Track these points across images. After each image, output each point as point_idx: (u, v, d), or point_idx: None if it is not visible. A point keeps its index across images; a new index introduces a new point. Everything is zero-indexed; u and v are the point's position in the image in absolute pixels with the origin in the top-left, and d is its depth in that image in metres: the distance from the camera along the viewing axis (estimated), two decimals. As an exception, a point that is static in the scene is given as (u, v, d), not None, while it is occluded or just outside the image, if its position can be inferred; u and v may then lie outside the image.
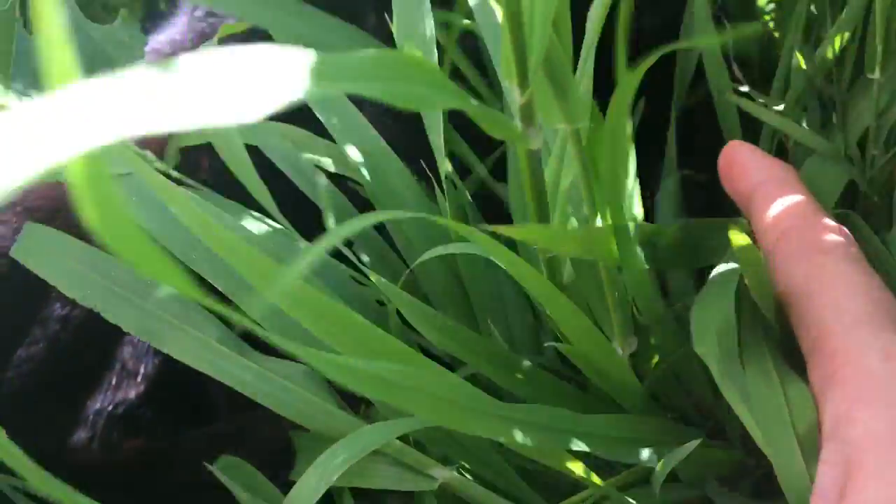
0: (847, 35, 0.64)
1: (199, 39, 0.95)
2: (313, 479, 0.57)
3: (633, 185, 0.63)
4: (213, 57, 0.28)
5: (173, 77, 0.27)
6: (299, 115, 0.58)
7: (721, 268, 0.58)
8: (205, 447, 0.77)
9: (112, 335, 0.80)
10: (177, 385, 0.81)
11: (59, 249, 0.72)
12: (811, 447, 0.47)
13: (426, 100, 0.37)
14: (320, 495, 0.56)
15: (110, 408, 0.79)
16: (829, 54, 0.65)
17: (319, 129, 0.75)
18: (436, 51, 0.68)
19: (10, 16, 0.73)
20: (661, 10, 0.79)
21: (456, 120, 0.73)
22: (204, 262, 0.66)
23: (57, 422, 0.78)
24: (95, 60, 0.82)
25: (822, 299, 0.50)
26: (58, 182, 0.81)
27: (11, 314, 0.80)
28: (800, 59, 0.67)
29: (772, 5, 0.87)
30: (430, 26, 0.67)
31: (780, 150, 0.73)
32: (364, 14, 0.81)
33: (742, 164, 0.60)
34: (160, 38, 0.95)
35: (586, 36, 0.52)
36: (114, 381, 0.79)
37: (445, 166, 0.69)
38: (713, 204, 0.70)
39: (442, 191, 0.70)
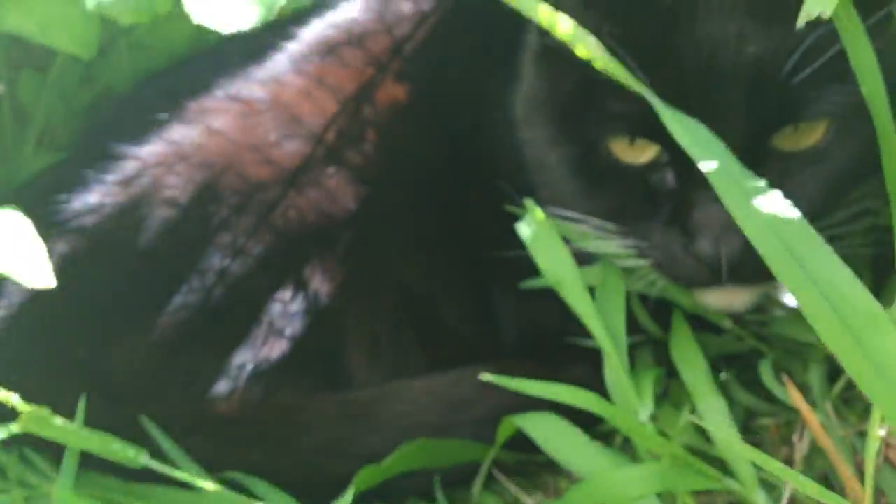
0: None
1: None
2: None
3: None
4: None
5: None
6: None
7: None
8: (336, 413, 0.77)
9: (264, 292, 0.83)
10: (320, 350, 0.82)
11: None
12: None
13: None
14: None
15: (252, 364, 0.80)
16: None
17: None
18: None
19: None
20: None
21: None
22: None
23: (201, 371, 0.81)
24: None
25: None
26: (229, 140, 0.83)
27: (174, 262, 0.82)
28: None
29: None
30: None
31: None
32: None
33: None
34: None
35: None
36: (260, 338, 0.81)
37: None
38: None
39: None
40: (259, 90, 0.89)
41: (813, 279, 0.46)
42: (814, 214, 0.67)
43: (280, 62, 0.92)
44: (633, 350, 0.76)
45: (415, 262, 0.86)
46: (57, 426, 0.65)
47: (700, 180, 0.66)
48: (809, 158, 0.67)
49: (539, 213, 0.68)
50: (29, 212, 0.86)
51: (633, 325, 0.77)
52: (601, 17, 0.66)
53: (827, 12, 0.55)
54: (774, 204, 0.49)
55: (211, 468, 0.74)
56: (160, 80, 0.98)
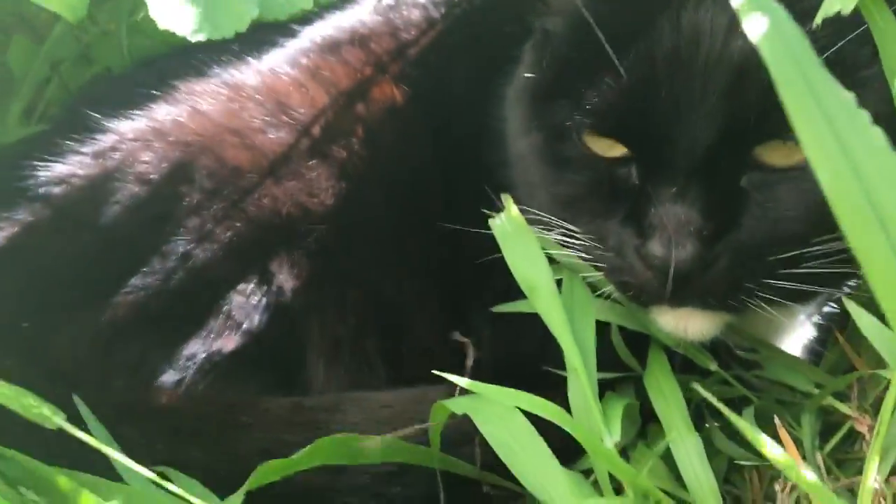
0: None
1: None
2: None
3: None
4: None
5: None
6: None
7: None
8: (282, 418, 0.71)
9: (226, 282, 0.78)
10: (277, 348, 0.77)
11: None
12: None
13: None
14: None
15: (204, 355, 0.75)
16: None
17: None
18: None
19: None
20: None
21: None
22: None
23: (149, 358, 0.75)
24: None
25: None
26: (211, 121, 0.79)
27: (137, 240, 0.78)
28: None
29: None
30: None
31: None
32: None
33: None
34: None
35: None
36: (215, 329, 0.76)
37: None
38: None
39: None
40: (251, 77, 0.86)
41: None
42: (798, 235, 0.63)
43: (278, 55, 0.90)
44: (614, 385, 0.70)
45: (389, 269, 0.81)
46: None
47: (663, 178, 0.62)
48: (797, 176, 0.62)
49: (514, 209, 0.63)
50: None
51: (614, 361, 0.72)
52: None
53: (847, 8, 0.50)
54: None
55: (144, 459, 0.68)
56: (156, 64, 0.95)
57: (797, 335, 0.79)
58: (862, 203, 0.36)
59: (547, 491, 0.52)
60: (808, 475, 0.48)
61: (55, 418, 0.59)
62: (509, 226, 0.62)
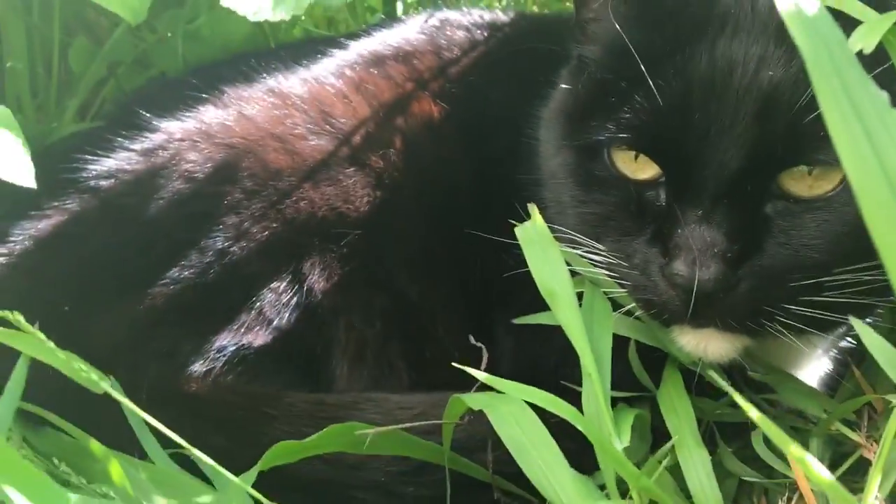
0: None
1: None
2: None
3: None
4: None
5: None
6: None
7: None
8: (305, 412, 0.73)
9: (260, 279, 0.81)
10: (304, 346, 0.79)
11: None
12: None
13: None
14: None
15: (234, 348, 0.78)
16: None
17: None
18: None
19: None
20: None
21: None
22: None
23: (181, 347, 0.78)
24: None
25: None
26: (256, 125, 0.83)
27: (178, 235, 0.81)
28: None
29: None
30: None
31: None
32: None
33: None
34: None
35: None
36: (246, 324, 0.79)
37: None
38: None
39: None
40: (298, 87, 0.89)
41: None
42: (819, 264, 0.64)
43: (325, 66, 0.93)
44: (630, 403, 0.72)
45: (417, 276, 0.84)
46: (27, 331, 0.61)
47: (690, 200, 0.64)
48: (820, 207, 0.64)
49: (539, 217, 0.65)
50: (52, 167, 0.88)
51: (632, 381, 0.73)
52: (628, 20, 0.65)
53: (868, 48, 0.52)
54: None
55: (170, 444, 0.71)
56: (209, 69, 0.99)
57: (814, 367, 0.80)
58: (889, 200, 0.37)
59: (555, 490, 0.54)
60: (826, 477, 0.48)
61: (103, 383, 0.61)
62: (534, 233, 0.64)
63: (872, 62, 0.59)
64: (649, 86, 0.64)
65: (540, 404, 0.57)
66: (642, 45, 0.66)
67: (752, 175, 0.64)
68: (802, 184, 0.65)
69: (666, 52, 0.65)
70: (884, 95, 0.39)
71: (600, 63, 0.73)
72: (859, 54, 0.57)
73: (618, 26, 0.67)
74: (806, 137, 0.62)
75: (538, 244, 0.63)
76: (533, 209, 0.68)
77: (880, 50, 0.56)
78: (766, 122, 0.63)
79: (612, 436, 0.56)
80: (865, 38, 0.52)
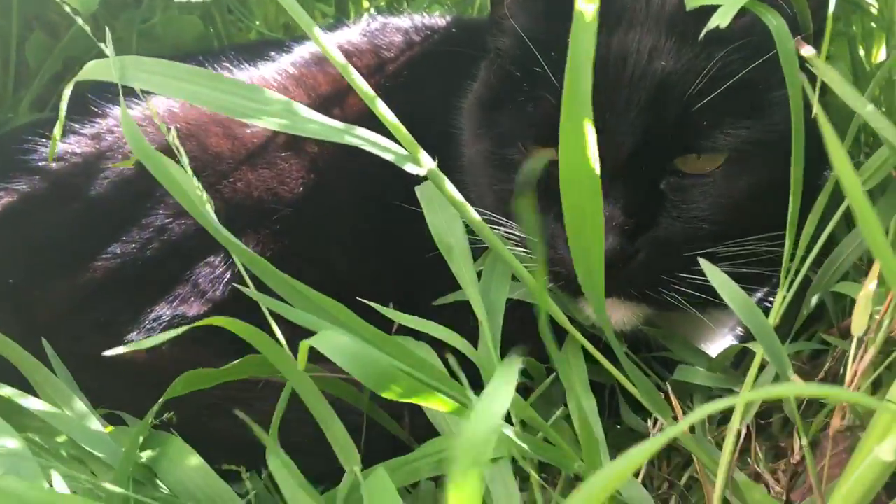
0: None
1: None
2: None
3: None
4: None
5: None
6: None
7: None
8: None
9: (196, 253, 0.85)
10: (238, 317, 0.83)
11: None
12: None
13: None
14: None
15: (169, 318, 0.82)
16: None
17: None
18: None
19: None
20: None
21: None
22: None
23: (119, 317, 0.82)
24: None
25: None
26: (201, 112, 0.87)
27: (120, 212, 0.86)
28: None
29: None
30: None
31: None
32: None
33: None
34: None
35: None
36: (181, 296, 0.83)
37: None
38: None
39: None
40: (243, 78, 0.95)
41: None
42: (709, 234, 0.70)
43: (269, 65, 0.98)
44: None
45: (346, 252, 0.88)
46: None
47: None
48: (707, 183, 0.70)
49: (440, 175, 0.70)
50: (6, 151, 0.92)
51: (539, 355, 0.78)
52: (535, 16, 0.71)
53: (724, 23, 0.58)
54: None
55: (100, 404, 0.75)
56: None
57: (721, 345, 0.85)
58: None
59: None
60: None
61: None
62: (432, 190, 0.69)
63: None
64: (551, 79, 0.70)
65: (437, 335, 0.62)
66: (546, 39, 0.72)
67: (645, 156, 0.70)
68: (692, 164, 0.71)
69: (564, 45, 0.70)
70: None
71: (508, 56, 0.79)
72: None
73: (523, 21, 0.73)
74: (692, 126, 0.69)
75: (436, 200, 0.68)
76: (434, 170, 0.73)
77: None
78: (659, 108, 0.70)
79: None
80: (722, 17, 0.58)
